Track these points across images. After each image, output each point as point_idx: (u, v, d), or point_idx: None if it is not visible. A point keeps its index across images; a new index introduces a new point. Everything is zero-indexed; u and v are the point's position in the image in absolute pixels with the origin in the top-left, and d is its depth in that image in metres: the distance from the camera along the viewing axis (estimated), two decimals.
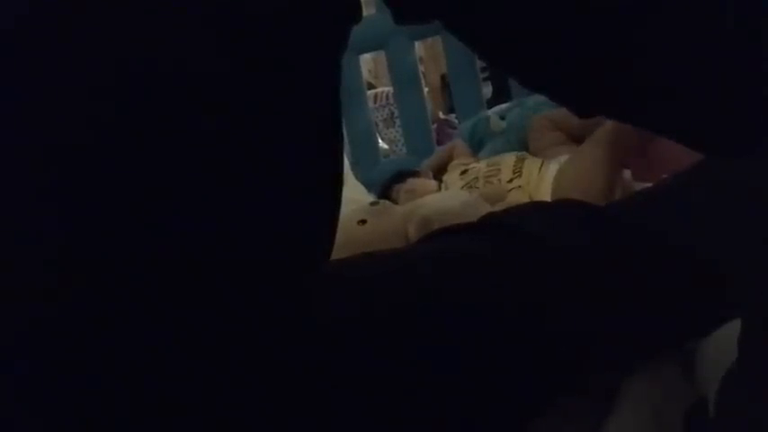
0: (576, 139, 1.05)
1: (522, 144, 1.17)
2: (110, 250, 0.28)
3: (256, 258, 0.32)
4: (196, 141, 0.29)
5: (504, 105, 1.38)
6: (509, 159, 1.04)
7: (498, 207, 0.82)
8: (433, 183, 1.17)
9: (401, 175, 1.24)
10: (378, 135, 1.92)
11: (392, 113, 2.46)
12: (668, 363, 0.54)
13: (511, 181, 0.99)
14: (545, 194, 0.92)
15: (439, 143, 1.69)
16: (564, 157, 0.95)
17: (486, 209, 0.81)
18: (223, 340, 0.32)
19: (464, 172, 1.09)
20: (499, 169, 1.03)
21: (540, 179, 0.97)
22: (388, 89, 2.40)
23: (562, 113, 1.06)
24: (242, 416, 0.33)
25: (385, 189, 1.24)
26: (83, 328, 0.28)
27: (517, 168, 1.01)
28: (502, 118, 1.27)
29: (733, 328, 0.43)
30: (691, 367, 0.53)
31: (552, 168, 0.96)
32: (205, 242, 0.30)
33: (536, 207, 0.62)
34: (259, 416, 0.34)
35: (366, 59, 2.57)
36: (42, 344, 0.28)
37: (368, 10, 1.60)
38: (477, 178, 1.04)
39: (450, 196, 0.90)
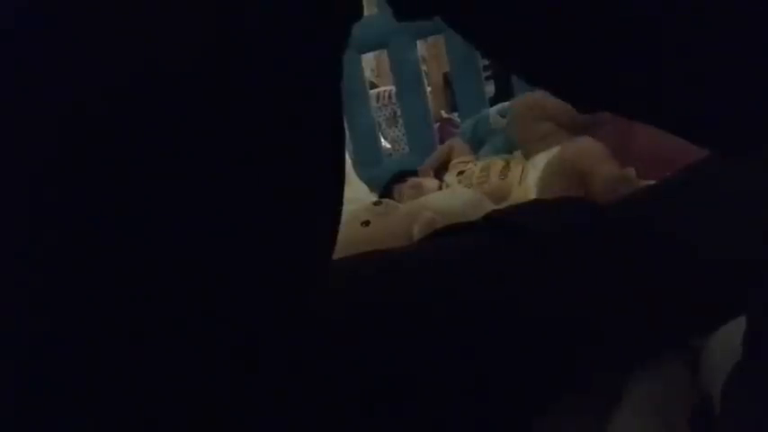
0: (567, 127, 1.03)
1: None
2: (106, 253, 0.28)
3: (256, 258, 0.32)
4: (193, 142, 0.29)
5: (505, 103, 1.38)
6: (498, 164, 1.05)
7: (503, 205, 0.82)
8: (435, 181, 1.17)
9: (402, 176, 1.24)
10: (380, 134, 1.92)
11: (395, 113, 2.46)
12: (672, 361, 0.54)
13: None
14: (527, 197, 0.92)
15: (442, 142, 1.69)
16: (546, 155, 0.95)
17: (490, 207, 0.81)
18: (223, 340, 0.32)
19: (461, 173, 1.09)
20: (488, 175, 1.03)
21: (522, 182, 0.97)
22: (391, 88, 2.40)
23: (551, 100, 1.04)
24: (242, 416, 0.33)
25: (386, 190, 1.24)
26: (78, 334, 0.28)
27: (504, 173, 1.02)
28: (503, 116, 1.27)
29: (738, 326, 0.43)
30: (695, 365, 0.53)
31: (533, 173, 0.96)
32: (203, 242, 0.30)
33: (538, 206, 0.62)
34: (259, 415, 0.34)
35: (369, 59, 2.57)
36: (42, 350, 0.28)
37: (369, 9, 1.60)
38: (471, 183, 1.04)
39: (454, 195, 0.90)
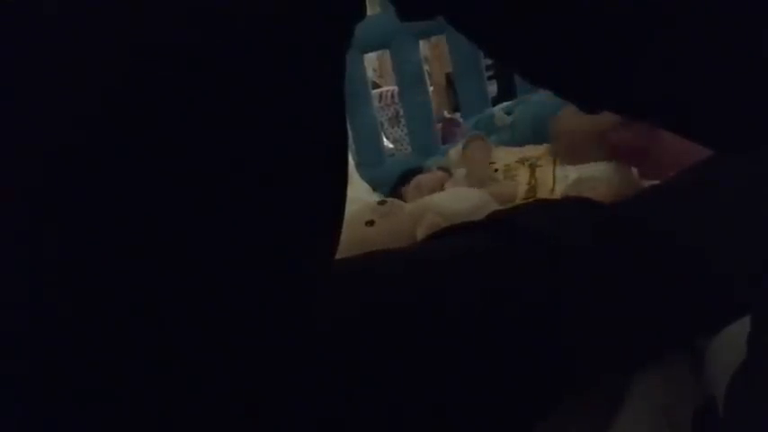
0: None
1: (528, 139, 1.16)
2: (107, 246, 0.28)
3: (258, 258, 0.32)
4: (195, 140, 0.29)
5: (510, 102, 1.38)
6: (524, 171, 1.01)
7: (509, 205, 0.81)
8: (440, 174, 1.15)
9: (407, 176, 1.23)
10: (383, 134, 1.92)
11: (397, 113, 2.46)
12: (677, 362, 0.54)
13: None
14: None
15: (444, 142, 1.69)
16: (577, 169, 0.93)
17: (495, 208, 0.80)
18: (224, 340, 0.31)
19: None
20: (514, 176, 1.00)
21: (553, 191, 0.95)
22: (393, 88, 2.41)
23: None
24: (242, 415, 0.33)
25: (393, 191, 1.23)
26: (78, 326, 0.28)
27: (531, 183, 0.99)
28: (508, 113, 1.27)
29: (742, 327, 0.42)
30: (700, 366, 0.53)
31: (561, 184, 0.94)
32: (204, 242, 0.30)
33: (542, 206, 0.62)
34: (259, 415, 0.34)
35: (371, 59, 2.57)
36: (40, 344, 0.28)
37: (372, 9, 1.60)
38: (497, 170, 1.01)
39: (460, 197, 0.88)
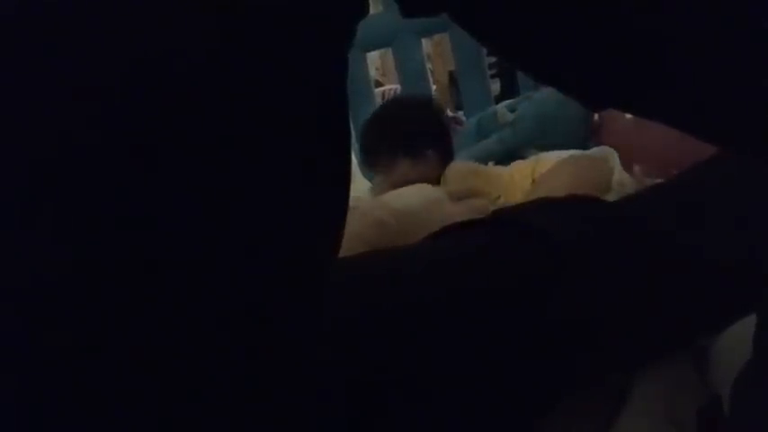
0: None
1: (531, 135, 1.16)
2: (108, 250, 0.28)
3: (260, 257, 0.31)
4: (196, 139, 0.29)
5: (513, 99, 1.38)
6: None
7: (466, 206, 0.80)
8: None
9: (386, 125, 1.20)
10: None
11: None
12: (681, 361, 0.54)
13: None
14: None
15: None
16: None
17: (449, 208, 0.79)
18: (227, 340, 0.31)
19: None
20: None
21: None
22: (396, 87, 2.40)
23: None
24: (242, 415, 0.33)
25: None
26: (78, 330, 0.28)
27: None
28: (511, 111, 1.27)
29: (745, 326, 0.42)
30: (704, 365, 0.53)
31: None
32: (206, 241, 0.30)
33: (544, 204, 0.61)
34: (261, 415, 0.34)
35: (373, 58, 2.57)
36: (41, 344, 0.28)
37: (374, 7, 1.60)
38: None
39: (411, 193, 0.86)
